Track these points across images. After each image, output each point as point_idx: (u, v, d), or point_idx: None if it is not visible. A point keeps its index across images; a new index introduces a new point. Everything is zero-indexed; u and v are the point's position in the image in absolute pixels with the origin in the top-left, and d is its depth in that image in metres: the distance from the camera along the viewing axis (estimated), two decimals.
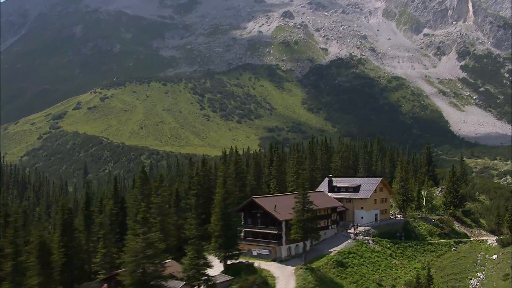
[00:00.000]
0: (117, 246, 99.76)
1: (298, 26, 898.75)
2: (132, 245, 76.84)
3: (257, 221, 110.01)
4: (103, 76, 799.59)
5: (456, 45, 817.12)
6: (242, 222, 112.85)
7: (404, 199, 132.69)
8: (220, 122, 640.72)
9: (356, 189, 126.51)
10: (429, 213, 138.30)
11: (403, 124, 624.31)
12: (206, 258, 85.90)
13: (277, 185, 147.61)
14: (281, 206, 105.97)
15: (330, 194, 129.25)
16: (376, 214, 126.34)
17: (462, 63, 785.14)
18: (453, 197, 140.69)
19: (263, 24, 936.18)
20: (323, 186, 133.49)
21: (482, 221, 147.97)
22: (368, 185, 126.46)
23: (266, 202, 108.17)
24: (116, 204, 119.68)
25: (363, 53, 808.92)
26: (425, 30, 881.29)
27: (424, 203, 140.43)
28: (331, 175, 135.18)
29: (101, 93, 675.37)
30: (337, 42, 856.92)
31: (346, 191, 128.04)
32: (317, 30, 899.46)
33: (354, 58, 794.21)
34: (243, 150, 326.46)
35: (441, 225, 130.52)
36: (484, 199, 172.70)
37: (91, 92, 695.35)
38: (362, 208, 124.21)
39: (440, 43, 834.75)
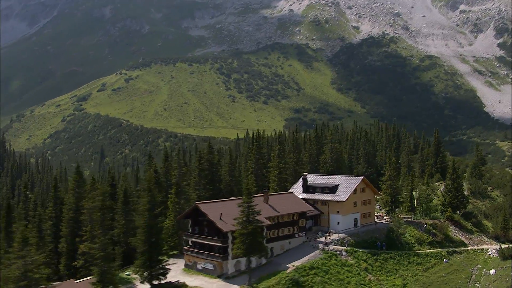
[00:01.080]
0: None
1: (330, 4, 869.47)
2: (4, 274, 62.41)
3: (203, 230, 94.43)
4: (131, 57, 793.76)
5: (494, 21, 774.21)
6: (189, 231, 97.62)
7: (392, 200, 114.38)
8: (245, 103, 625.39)
9: (332, 190, 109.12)
10: (423, 216, 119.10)
11: (434, 105, 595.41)
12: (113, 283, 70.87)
13: (255, 181, 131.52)
14: (230, 213, 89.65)
15: (304, 195, 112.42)
16: (355, 219, 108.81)
17: (500, 40, 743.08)
18: (452, 197, 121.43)
19: (294, 3, 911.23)
20: (298, 186, 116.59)
21: (488, 223, 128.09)
22: (347, 185, 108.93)
23: (213, 209, 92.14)
24: (56, 206, 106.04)
25: (396, 31, 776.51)
26: (462, 7, 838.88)
27: (416, 205, 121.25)
28: (305, 173, 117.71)
29: (126, 75, 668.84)
30: (369, 20, 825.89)
31: (322, 192, 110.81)
32: (349, 8, 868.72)
33: (386, 36, 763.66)
34: (256, 132, 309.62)
35: (434, 231, 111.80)
36: (497, 196, 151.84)
37: (116, 74, 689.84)
38: (338, 212, 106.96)
39: (477, 19, 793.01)
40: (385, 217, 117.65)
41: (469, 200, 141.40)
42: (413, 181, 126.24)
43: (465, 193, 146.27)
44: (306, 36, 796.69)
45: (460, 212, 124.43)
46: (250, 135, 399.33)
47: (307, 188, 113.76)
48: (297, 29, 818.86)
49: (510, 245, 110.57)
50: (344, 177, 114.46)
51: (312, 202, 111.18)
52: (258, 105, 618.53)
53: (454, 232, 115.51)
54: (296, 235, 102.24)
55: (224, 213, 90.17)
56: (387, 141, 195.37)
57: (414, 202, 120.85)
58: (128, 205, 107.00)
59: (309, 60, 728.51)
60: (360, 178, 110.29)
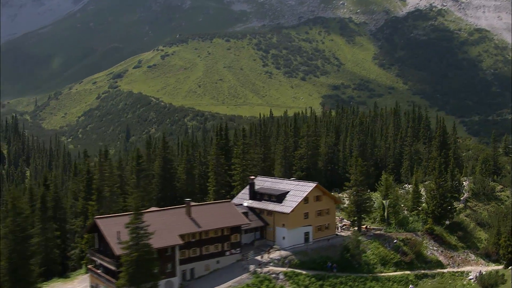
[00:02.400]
0: None
1: None
2: None
3: (106, 249, 79.34)
4: (171, 32, 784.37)
5: None
6: (97, 246, 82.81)
7: (358, 209, 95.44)
8: (282, 79, 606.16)
9: (279, 198, 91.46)
10: (396, 228, 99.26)
11: (482, 81, 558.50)
12: None
13: (215, 183, 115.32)
14: None
15: (250, 203, 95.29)
16: (307, 233, 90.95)
17: None
18: (436, 205, 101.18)
19: None
20: (246, 191, 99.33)
21: (483, 235, 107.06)
22: (297, 192, 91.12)
23: (114, 225, 76.66)
24: None
25: (445, 3, 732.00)
26: None
27: (385, 215, 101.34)
28: (253, 176, 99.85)
29: (162, 51, 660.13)
30: None
31: (269, 200, 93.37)
32: None
33: (433, 9, 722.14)
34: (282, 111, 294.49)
35: (404, 248, 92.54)
36: (508, 197, 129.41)
37: (153, 50, 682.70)
38: (283, 225, 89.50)
39: None
40: (351, 228, 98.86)
41: (468, 203, 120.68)
42: (402, 180, 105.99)
43: (465, 194, 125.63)
44: (350, 9, 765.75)
45: (446, 223, 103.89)
46: (277, 114, 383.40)
47: (254, 195, 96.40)
48: (340, 2, 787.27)
49: (498, 267, 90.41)
50: (297, 182, 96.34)
51: (258, 212, 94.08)
52: (295, 82, 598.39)
53: (432, 250, 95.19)
54: (227, 253, 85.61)
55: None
56: (395, 129, 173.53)
57: (384, 212, 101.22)
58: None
59: (352, 35, 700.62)
60: (312, 184, 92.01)
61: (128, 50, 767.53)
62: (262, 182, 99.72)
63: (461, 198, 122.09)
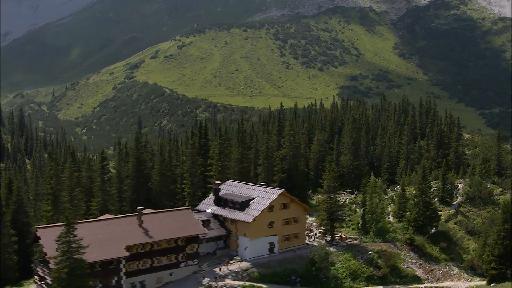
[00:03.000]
0: None
1: None
2: None
3: (46, 261, 74.18)
4: (190, 22, 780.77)
5: None
6: (42, 258, 77.79)
7: (331, 217, 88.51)
8: (300, 69, 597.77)
9: (242, 205, 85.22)
10: (373, 238, 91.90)
11: (504, 72, 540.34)
12: None
13: (190, 185, 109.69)
14: (88, 240, 68.32)
15: (215, 210, 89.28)
16: (272, 243, 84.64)
17: None
18: (418, 213, 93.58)
19: None
20: (211, 197, 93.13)
21: (473, 245, 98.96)
22: (261, 200, 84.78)
23: (54, 235, 71.26)
24: None
25: None
26: None
27: (360, 223, 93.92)
28: (217, 181, 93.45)
29: (180, 41, 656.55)
30: None
31: (233, 207, 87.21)
32: None
33: None
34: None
35: (378, 261, 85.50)
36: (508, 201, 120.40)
37: (170, 40, 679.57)
38: (245, 235, 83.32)
39: None
40: (326, 238, 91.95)
41: (461, 209, 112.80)
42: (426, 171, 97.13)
43: (459, 198, 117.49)
44: None
45: (432, 231, 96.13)
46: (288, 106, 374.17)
47: (219, 201, 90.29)
48: None
49: (481, 283, 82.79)
50: (264, 188, 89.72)
51: (222, 219, 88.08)
52: (312, 72, 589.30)
53: (409, 262, 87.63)
54: (183, 264, 79.86)
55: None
56: (396, 125, 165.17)
57: (359, 220, 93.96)
58: None
59: (372, 24, 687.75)
60: (278, 191, 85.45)
61: (147, 41, 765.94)
62: (230, 187, 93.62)
63: (453, 203, 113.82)
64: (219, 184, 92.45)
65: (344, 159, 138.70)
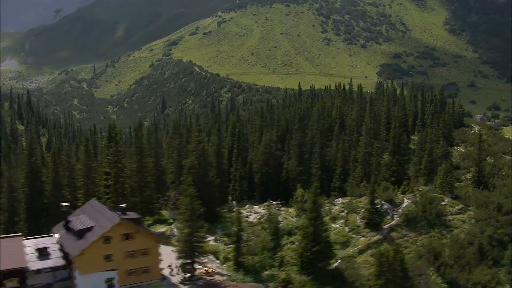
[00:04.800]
0: None
1: None
2: None
3: None
4: None
5: None
6: None
7: (191, 249, 73.77)
8: (341, 46, 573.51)
9: (79, 234, 72.58)
10: (244, 276, 75.69)
11: None
12: None
13: (85, 195, 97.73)
14: None
15: (62, 236, 76.91)
16: (110, 279, 71.70)
17: None
18: (306, 248, 76.78)
19: None
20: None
21: None
22: (98, 229, 71.71)
23: None
24: None
25: None
26: None
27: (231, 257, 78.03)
28: (66, 203, 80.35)
29: (221, 17, 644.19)
30: None
31: (74, 235, 74.62)
32: None
33: None
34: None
35: None
36: (463, 221, 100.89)
37: (212, 16, 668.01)
38: (77, 268, 70.83)
39: None
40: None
41: (393, 234, 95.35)
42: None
43: (394, 220, 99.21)
44: None
45: (326, 268, 79.43)
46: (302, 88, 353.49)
47: (67, 226, 77.93)
48: None
49: None
50: (114, 215, 75.94)
51: (66, 247, 75.74)
52: (354, 49, 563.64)
53: None
54: None
55: None
56: (371, 121, 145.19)
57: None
58: None
59: None
60: (115, 220, 71.81)
61: (193, 16, 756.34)
62: (84, 211, 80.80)
63: (384, 226, 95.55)
64: (72, 206, 79.76)
65: (289, 164, 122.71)
